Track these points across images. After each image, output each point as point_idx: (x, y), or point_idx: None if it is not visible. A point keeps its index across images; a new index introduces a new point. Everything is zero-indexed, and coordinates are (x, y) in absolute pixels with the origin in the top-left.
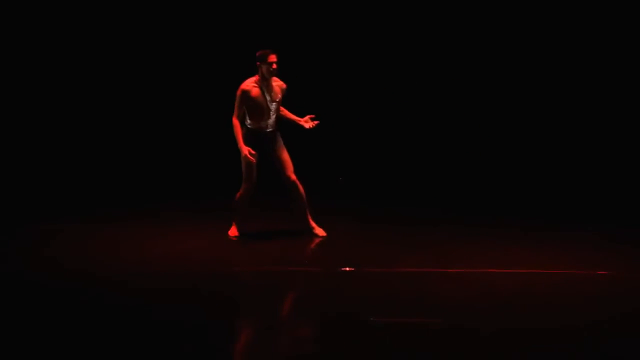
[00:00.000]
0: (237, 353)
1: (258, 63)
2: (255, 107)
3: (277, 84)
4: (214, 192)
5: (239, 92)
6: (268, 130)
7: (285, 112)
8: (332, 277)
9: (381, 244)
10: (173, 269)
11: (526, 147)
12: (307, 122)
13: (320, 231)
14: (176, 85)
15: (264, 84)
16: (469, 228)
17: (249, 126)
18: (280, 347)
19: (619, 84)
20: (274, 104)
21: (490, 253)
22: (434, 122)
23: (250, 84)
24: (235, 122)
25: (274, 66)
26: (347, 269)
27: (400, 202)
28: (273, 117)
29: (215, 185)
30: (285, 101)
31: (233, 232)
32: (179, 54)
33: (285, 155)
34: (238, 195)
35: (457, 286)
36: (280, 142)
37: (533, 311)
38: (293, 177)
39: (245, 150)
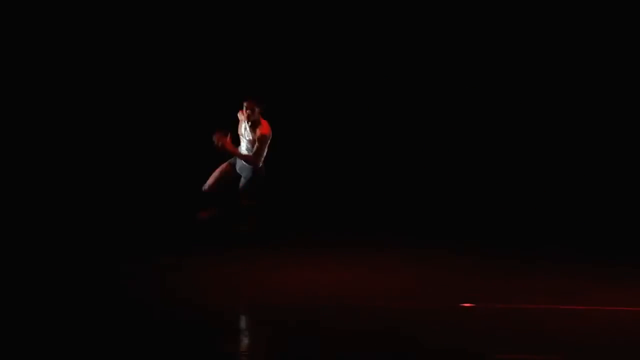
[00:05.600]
0: None
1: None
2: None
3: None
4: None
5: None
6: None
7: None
8: (452, 313)
9: (495, 278)
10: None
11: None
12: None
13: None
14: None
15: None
16: (584, 265)
17: None
18: None
19: None
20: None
21: (610, 290)
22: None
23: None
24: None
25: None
26: (467, 304)
27: (516, 238)
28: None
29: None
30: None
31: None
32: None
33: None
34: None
35: (577, 323)
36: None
37: None
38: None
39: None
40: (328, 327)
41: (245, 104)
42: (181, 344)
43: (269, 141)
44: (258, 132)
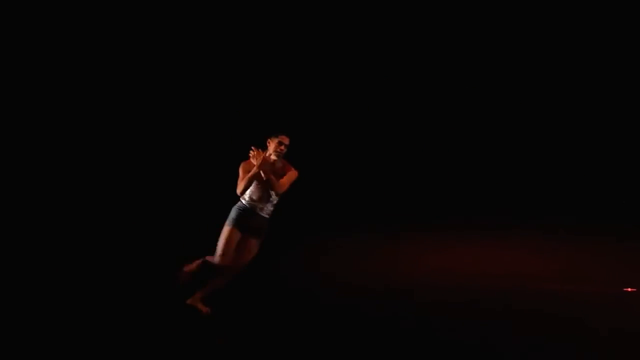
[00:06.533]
0: None
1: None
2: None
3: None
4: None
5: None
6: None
7: None
8: (616, 297)
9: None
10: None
11: None
12: None
13: (204, 308)
14: None
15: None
16: None
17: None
18: None
19: None
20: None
21: None
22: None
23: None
24: None
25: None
26: (630, 289)
27: None
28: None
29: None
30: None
31: (189, 267)
32: None
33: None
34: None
35: None
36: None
37: None
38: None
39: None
40: (499, 309)
41: (281, 140)
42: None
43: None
44: (288, 170)
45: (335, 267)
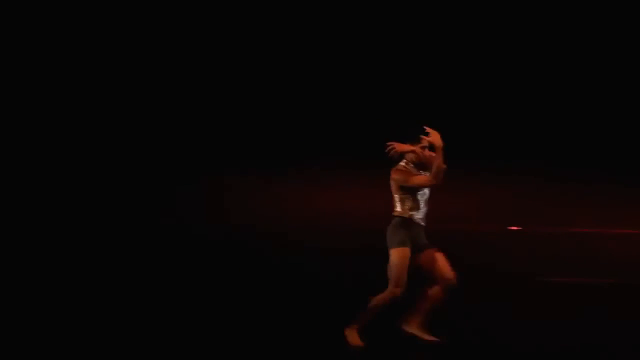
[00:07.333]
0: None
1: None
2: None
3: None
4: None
5: None
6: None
7: None
8: (502, 235)
9: (549, 203)
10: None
11: None
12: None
13: (428, 337)
14: None
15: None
16: (630, 189)
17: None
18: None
19: None
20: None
21: None
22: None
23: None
24: None
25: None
26: (515, 227)
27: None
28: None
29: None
30: None
31: (355, 339)
32: None
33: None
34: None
35: (631, 247)
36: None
37: None
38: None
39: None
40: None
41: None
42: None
43: None
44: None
45: (226, 207)
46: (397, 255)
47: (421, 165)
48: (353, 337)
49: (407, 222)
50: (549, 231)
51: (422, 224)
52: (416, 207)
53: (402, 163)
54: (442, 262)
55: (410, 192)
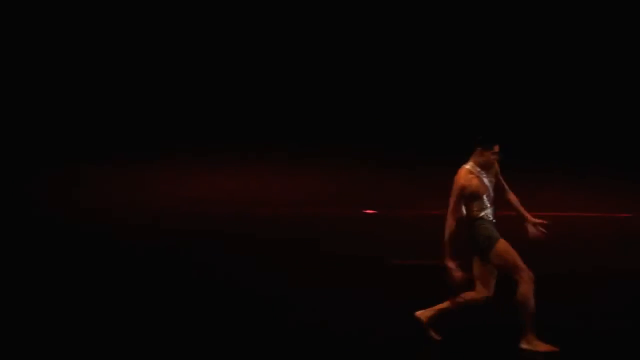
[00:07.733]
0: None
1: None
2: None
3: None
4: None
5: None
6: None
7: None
8: (355, 219)
9: (399, 186)
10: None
11: None
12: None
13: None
14: None
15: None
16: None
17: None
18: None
19: None
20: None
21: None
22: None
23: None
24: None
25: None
26: (370, 211)
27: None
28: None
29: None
30: None
31: (544, 346)
32: None
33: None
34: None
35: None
36: None
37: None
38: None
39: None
40: (230, 233)
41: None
42: None
43: None
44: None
45: (81, 197)
46: (500, 249)
47: (486, 166)
48: (540, 345)
49: (482, 220)
50: (405, 214)
51: (494, 221)
52: (484, 208)
53: (468, 166)
54: (493, 278)
55: (471, 198)
